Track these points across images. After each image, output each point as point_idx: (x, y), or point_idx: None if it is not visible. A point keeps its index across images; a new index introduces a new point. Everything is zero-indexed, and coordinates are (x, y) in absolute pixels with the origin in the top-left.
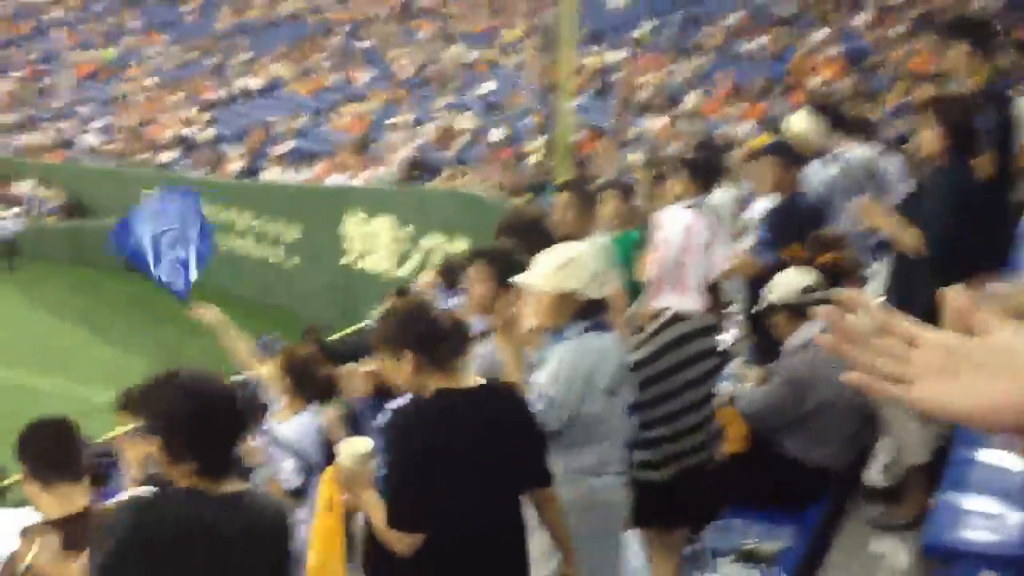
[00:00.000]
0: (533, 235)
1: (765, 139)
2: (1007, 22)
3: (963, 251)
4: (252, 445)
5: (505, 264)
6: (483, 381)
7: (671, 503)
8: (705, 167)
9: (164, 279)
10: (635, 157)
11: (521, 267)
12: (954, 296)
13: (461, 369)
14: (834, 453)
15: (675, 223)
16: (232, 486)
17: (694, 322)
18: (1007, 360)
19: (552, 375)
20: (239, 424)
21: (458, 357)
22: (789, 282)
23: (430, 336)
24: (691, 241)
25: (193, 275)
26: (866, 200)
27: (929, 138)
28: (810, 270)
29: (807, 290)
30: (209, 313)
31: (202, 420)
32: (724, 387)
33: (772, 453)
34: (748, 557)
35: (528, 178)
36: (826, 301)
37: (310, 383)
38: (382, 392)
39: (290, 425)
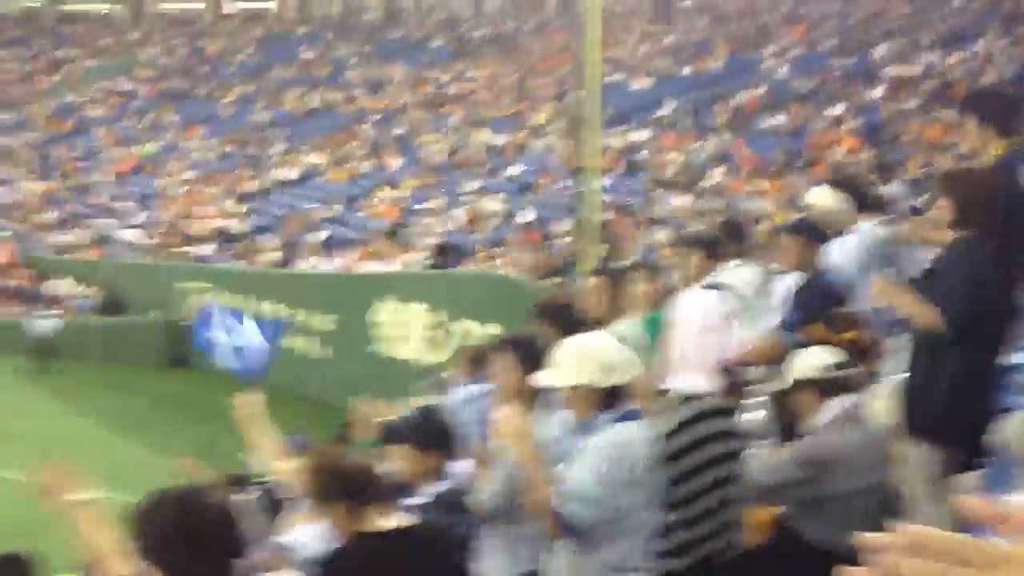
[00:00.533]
0: (569, 320)
1: (786, 216)
2: (1020, 90)
3: (980, 327)
4: (273, 556)
5: (531, 352)
6: (407, 524)
7: None
8: (713, 244)
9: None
10: (661, 235)
11: (546, 355)
12: (971, 506)
13: (382, 515)
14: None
15: (693, 304)
16: None
17: (708, 403)
18: None
19: (585, 471)
20: (234, 537)
21: (378, 504)
22: (813, 359)
23: (349, 489)
24: (708, 322)
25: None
26: (881, 278)
27: (940, 213)
28: (834, 348)
29: (831, 368)
30: (250, 403)
31: (194, 539)
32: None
33: (794, 542)
34: None
35: (558, 259)
36: (850, 379)
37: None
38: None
39: (311, 533)
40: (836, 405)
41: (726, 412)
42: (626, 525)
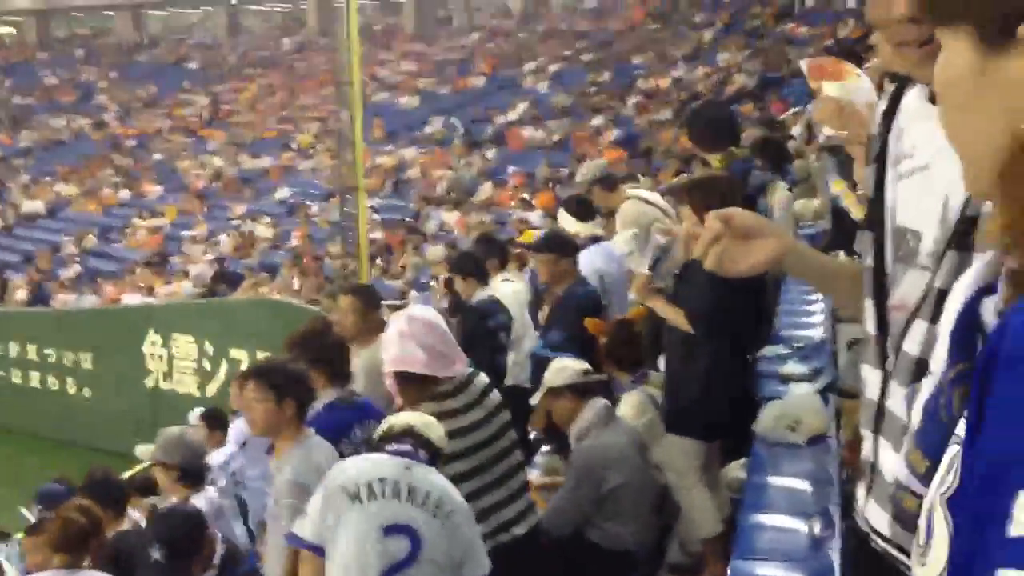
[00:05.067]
0: (318, 346)
1: (531, 235)
2: (760, 100)
3: (729, 323)
4: None
5: (281, 378)
6: None
7: None
8: (473, 264)
9: None
10: (435, 252)
11: (298, 379)
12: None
13: None
14: (635, 534)
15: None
16: None
17: (466, 393)
18: None
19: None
20: None
21: None
22: (567, 366)
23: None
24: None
25: None
26: (638, 279)
27: (688, 219)
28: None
29: (580, 373)
30: None
31: None
32: (534, 476)
33: (577, 540)
34: None
35: (333, 280)
36: (606, 382)
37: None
38: None
39: None
40: (592, 408)
41: (487, 390)
42: None
